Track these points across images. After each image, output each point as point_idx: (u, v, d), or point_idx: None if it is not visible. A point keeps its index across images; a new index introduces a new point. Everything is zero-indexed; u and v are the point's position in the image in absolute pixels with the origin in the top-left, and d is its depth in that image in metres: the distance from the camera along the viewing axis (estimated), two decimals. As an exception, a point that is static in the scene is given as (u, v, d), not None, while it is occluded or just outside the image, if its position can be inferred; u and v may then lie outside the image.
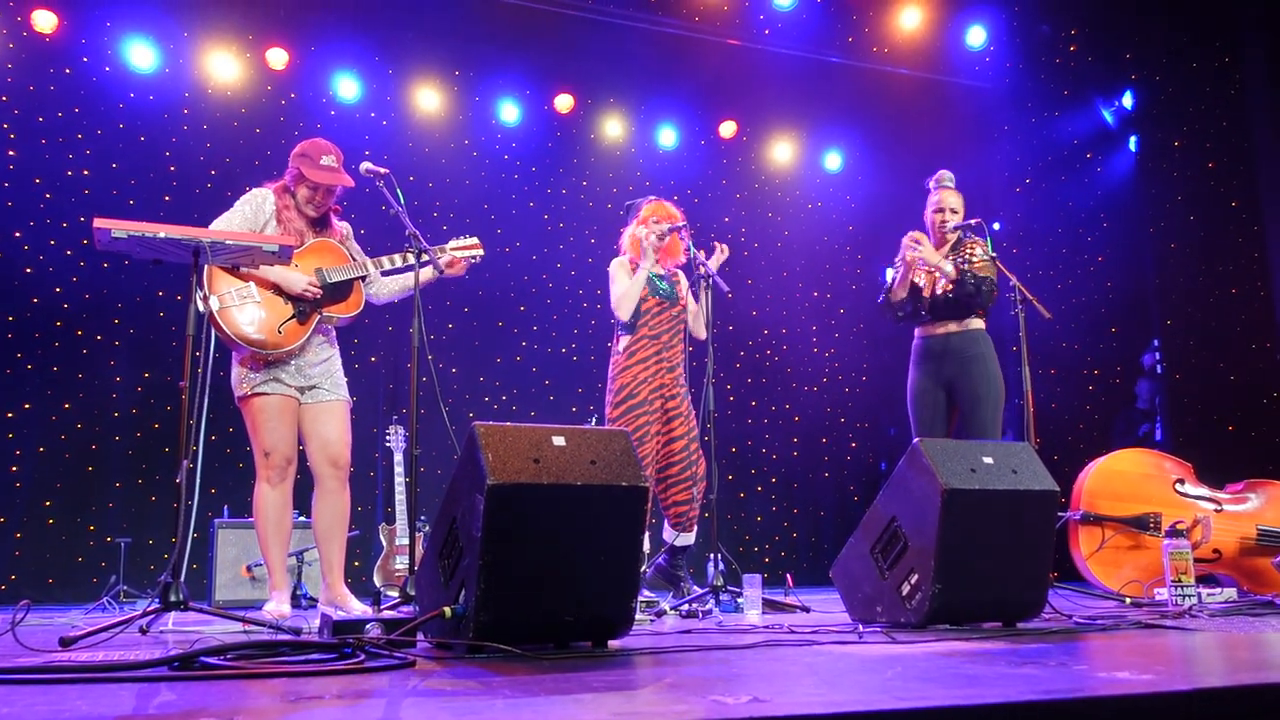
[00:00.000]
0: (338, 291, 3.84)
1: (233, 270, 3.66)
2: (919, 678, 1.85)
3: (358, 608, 3.77)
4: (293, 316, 3.74)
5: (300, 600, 4.97)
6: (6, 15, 5.98)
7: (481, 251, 4.12)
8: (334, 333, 3.98)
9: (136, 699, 1.70)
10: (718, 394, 4.34)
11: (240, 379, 3.77)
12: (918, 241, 4.59)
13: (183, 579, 2.94)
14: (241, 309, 3.67)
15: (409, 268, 3.86)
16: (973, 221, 4.62)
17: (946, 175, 4.81)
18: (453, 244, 4.07)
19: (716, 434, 4.23)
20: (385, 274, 3.97)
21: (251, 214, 3.81)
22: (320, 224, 3.95)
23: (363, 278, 3.91)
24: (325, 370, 3.87)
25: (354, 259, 3.92)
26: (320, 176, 3.83)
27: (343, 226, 4.05)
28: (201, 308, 3.61)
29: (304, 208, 3.89)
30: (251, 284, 3.71)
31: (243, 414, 3.81)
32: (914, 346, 4.73)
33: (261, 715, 1.56)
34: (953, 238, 4.69)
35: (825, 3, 7.31)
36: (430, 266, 3.80)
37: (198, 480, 3.80)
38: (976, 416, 4.49)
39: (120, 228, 3.06)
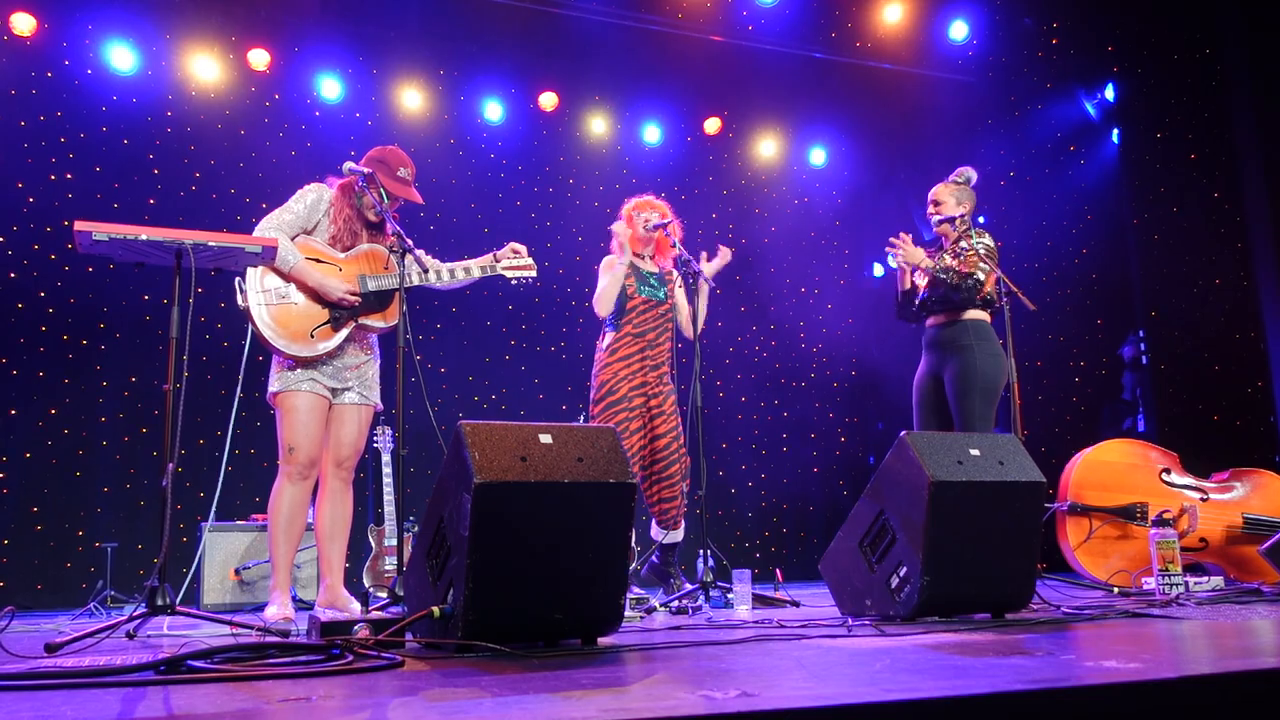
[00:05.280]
0: (379, 300, 3.82)
1: (279, 270, 3.66)
2: (908, 670, 1.85)
3: (359, 609, 3.75)
4: (327, 322, 3.73)
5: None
6: (-15, 19, 5.95)
7: (534, 273, 4.01)
8: (373, 339, 3.97)
9: (122, 704, 1.69)
10: (706, 390, 4.34)
11: (277, 376, 3.77)
12: (893, 246, 4.60)
13: (175, 584, 2.92)
14: (277, 310, 3.66)
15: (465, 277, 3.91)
16: (956, 217, 4.63)
17: (967, 171, 4.78)
18: (504, 263, 3.99)
19: (705, 430, 4.23)
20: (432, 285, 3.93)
21: (305, 211, 3.80)
22: (376, 229, 3.93)
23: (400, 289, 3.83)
24: (359, 375, 3.87)
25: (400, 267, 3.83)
26: (396, 188, 3.83)
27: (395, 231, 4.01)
28: (240, 303, 3.61)
29: (367, 212, 3.87)
30: (292, 285, 3.70)
31: (274, 409, 3.81)
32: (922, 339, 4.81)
33: (248, 718, 1.55)
34: (946, 229, 4.70)
35: (807, -2, 7.32)
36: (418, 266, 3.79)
37: (218, 484, 3.78)
38: (962, 407, 4.49)
39: (101, 230, 3.05)
